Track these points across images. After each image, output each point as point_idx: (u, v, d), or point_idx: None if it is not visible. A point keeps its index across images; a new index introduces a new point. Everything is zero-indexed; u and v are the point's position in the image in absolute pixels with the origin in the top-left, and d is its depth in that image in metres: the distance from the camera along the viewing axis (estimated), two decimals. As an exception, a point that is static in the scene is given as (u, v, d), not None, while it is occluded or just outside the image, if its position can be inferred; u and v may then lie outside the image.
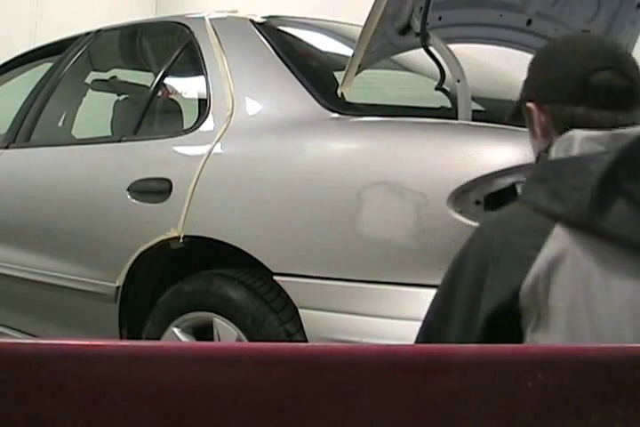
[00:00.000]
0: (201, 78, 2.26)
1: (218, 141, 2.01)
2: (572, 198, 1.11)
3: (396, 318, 1.60)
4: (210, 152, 2.00)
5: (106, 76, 3.04)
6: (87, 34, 2.90)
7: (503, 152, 1.62)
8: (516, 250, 1.13)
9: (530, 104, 1.26)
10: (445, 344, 1.13)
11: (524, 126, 1.66)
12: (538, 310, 1.10)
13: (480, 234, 1.22)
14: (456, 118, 1.79)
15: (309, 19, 2.59)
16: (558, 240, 1.11)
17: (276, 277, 1.78)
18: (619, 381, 0.76)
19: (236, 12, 2.46)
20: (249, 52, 2.24)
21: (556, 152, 1.18)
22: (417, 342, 1.24)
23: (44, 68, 3.01)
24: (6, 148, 2.82)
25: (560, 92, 1.22)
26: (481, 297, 1.13)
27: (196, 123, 2.17)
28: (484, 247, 1.17)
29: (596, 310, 1.09)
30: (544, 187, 1.16)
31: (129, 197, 2.14)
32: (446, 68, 1.87)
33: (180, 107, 2.57)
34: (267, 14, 2.41)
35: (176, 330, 2.01)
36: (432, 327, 1.22)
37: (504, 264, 1.13)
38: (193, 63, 2.35)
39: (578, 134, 1.16)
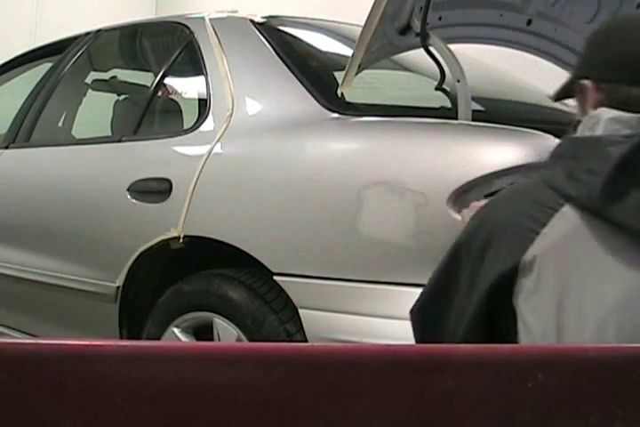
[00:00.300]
0: (201, 78, 2.26)
1: (218, 141, 2.01)
2: (586, 181, 1.09)
3: (395, 318, 1.60)
4: (210, 152, 2.00)
5: (106, 76, 3.04)
6: (87, 34, 2.90)
7: (503, 152, 1.62)
8: (521, 224, 1.12)
9: (585, 81, 1.22)
10: (445, 344, 1.13)
11: (524, 126, 1.66)
12: (533, 285, 1.09)
13: (494, 203, 1.22)
14: (456, 118, 1.79)
15: (309, 19, 2.59)
16: (565, 220, 1.10)
17: (275, 277, 1.78)
18: (619, 381, 0.76)
19: (236, 12, 2.46)
20: (249, 52, 2.24)
21: (581, 130, 1.16)
22: (420, 300, 1.25)
23: (43, 68, 3.01)
24: (6, 148, 2.82)
25: (617, 71, 1.19)
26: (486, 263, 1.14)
27: (196, 123, 2.17)
28: (495, 216, 1.17)
29: (588, 295, 1.07)
30: (561, 164, 1.15)
31: (129, 197, 2.14)
32: (446, 68, 1.87)
33: (179, 107, 2.56)
34: (267, 14, 2.41)
35: (176, 330, 2.01)
36: (438, 286, 1.22)
37: (509, 236, 1.12)
38: (193, 63, 2.35)
39: (605, 113, 1.14)
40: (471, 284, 1.16)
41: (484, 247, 1.15)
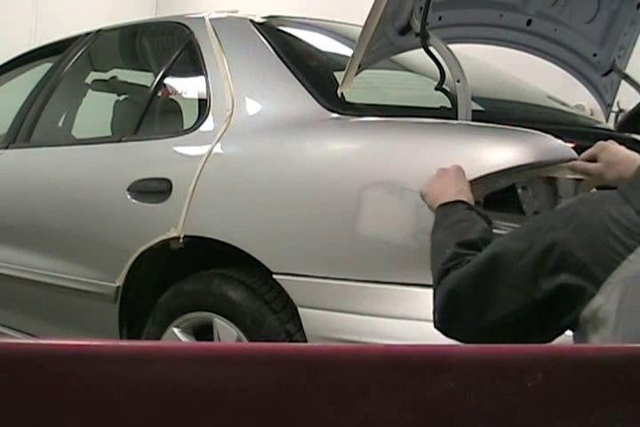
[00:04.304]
0: (201, 78, 2.26)
1: (218, 141, 2.01)
2: None
3: (395, 317, 1.60)
4: (210, 152, 2.00)
5: (106, 76, 3.04)
6: (87, 34, 2.90)
7: (503, 152, 1.62)
8: (608, 244, 1.12)
9: None
10: (445, 344, 1.13)
11: (524, 126, 1.66)
12: (613, 308, 1.10)
13: (586, 207, 1.20)
14: (456, 118, 1.79)
15: (309, 19, 2.59)
16: None
17: (275, 276, 1.78)
18: (619, 381, 0.76)
19: (236, 12, 2.46)
20: (249, 52, 2.24)
21: None
22: (474, 264, 1.23)
23: (44, 68, 3.01)
24: (6, 148, 2.83)
25: None
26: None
27: (196, 123, 2.17)
28: (585, 219, 1.16)
29: None
30: None
31: (129, 197, 2.14)
32: (446, 68, 1.87)
33: (179, 107, 2.57)
34: (267, 14, 2.41)
35: (176, 330, 2.01)
36: (501, 257, 1.20)
37: (595, 251, 1.12)
38: (193, 63, 2.35)
39: None
40: (533, 275, 1.16)
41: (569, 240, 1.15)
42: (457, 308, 1.25)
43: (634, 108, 1.31)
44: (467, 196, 1.45)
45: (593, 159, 1.55)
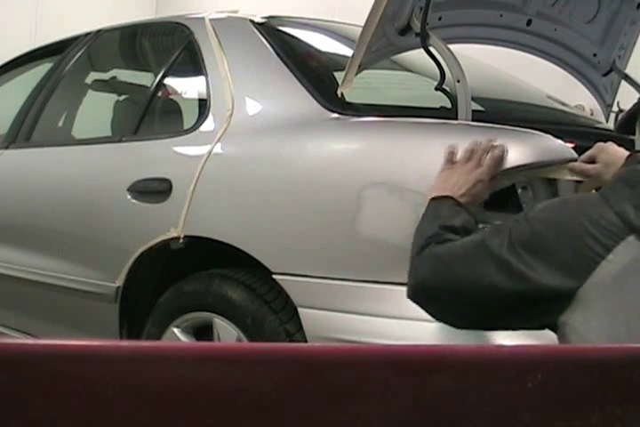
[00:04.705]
0: (201, 78, 2.26)
1: (218, 141, 2.01)
2: None
3: (395, 317, 1.60)
4: (210, 152, 2.00)
5: (106, 76, 3.03)
6: (87, 34, 2.90)
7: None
8: (586, 243, 1.14)
9: None
10: (444, 344, 1.14)
11: (524, 126, 1.66)
12: (593, 308, 1.12)
13: (557, 207, 1.24)
14: (456, 118, 1.79)
15: (309, 19, 2.59)
16: (630, 249, 1.13)
17: (275, 277, 1.78)
18: (619, 381, 0.76)
19: (236, 12, 2.46)
20: (249, 52, 2.24)
21: None
22: (463, 242, 1.28)
23: (44, 68, 3.01)
24: (6, 148, 2.83)
25: None
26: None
27: (196, 123, 2.17)
28: (566, 220, 1.19)
29: None
30: (630, 194, 1.17)
31: (129, 197, 2.14)
32: (446, 68, 1.87)
33: (179, 107, 2.56)
34: (267, 14, 2.41)
35: (176, 330, 2.01)
36: (489, 244, 1.23)
37: (572, 250, 1.15)
38: (193, 63, 2.35)
39: None
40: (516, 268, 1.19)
41: (541, 246, 1.18)
42: (442, 276, 1.28)
43: (630, 110, 1.32)
44: (464, 192, 1.46)
45: (592, 161, 1.56)
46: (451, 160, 1.54)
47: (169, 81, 2.54)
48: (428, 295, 1.31)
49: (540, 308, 1.18)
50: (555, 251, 1.16)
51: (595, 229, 1.15)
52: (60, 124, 3.00)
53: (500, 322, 1.27)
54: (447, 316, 1.32)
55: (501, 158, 1.53)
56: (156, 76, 2.52)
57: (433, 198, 1.47)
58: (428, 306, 1.33)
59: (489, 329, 1.36)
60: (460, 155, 1.54)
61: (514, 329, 1.32)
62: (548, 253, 1.17)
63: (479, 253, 1.24)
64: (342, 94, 1.93)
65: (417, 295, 1.33)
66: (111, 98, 2.90)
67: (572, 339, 1.15)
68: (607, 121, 2.61)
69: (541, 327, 1.24)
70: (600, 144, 1.58)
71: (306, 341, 1.72)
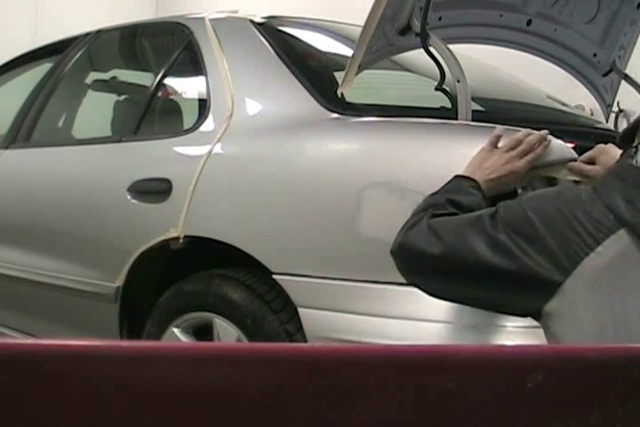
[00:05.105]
0: (201, 78, 2.26)
1: (218, 141, 2.01)
2: None
3: (396, 317, 1.60)
4: (210, 152, 2.00)
5: (106, 76, 3.03)
6: (87, 34, 2.90)
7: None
8: (577, 233, 1.16)
9: None
10: (445, 344, 1.14)
11: (524, 126, 1.66)
12: (579, 298, 1.14)
13: (545, 198, 1.25)
14: (456, 118, 1.79)
15: (309, 19, 2.59)
16: (620, 242, 1.14)
17: (275, 277, 1.78)
18: (619, 381, 0.76)
19: (236, 12, 2.46)
20: (249, 52, 2.24)
21: None
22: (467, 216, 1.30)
23: (44, 68, 3.01)
24: (6, 148, 2.82)
25: None
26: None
27: (196, 123, 2.17)
28: (547, 211, 1.21)
29: (632, 315, 1.11)
30: (621, 188, 1.18)
31: (129, 197, 2.14)
32: (446, 69, 1.87)
33: (179, 107, 2.56)
34: (267, 14, 2.41)
35: (176, 330, 2.01)
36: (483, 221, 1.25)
37: (563, 240, 1.16)
38: (193, 63, 2.35)
39: None
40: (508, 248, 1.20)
41: (532, 234, 1.19)
42: (432, 243, 1.29)
43: (634, 122, 1.32)
44: (493, 177, 1.48)
45: (592, 162, 1.56)
46: (494, 143, 1.54)
47: (169, 81, 2.54)
48: (410, 256, 1.33)
49: (523, 291, 1.20)
50: (544, 239, 1.17)
51: (586, 220, 1.16)
52: (60, 124, 3.00)
53: (480, 299, 1.28)
54: (422, 280, 1.33)
55: (540, 157, 1.53)
56: (155, 76, 2.52)
57: (457, 176, 1.48)
58: (405, 265, 1.34)
59: (466, 304, 1.37)
60: (505, 141, 1.54)
61: (496, 311, 1.33)
62: (537, 240, 1.18)
63: (472, 226, 1.26)
64: (342, 94, 1.93)
65: (400, 252, 1.34)
66: (111, 98, 2.89)
67: (557, 331, 1.16)
68: (607, 121, 2.61)
69: (525, 315, 1.26)
70: (600, 146, 1.58)
71: (306, 341, 1.72)
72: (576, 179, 1.59)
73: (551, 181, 1.63)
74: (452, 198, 1.39)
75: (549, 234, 1.17)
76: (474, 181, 1.46)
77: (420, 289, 1.35)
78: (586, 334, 1.13)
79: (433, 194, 1.45)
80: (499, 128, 1.58)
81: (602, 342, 1.11)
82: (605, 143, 1.60)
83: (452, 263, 1.26)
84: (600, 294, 1.13)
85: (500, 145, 1.54)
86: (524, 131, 1.56)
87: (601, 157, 1.56)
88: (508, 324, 1.49)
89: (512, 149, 1.53)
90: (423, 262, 1.31)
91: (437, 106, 1.99)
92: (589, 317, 1.13)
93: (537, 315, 1.20)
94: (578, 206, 1.18)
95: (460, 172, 1.49)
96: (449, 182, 1.47)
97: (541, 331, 1.25)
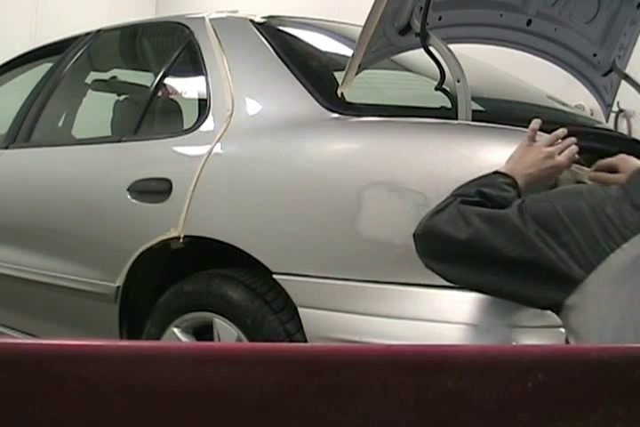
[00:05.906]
0: (201, 78, 2.26)
1: (218, 141, 2.01)
2: None
3: (396, 317, 1.60)
4: (210, 152, 2.00)
5: (106, 76, 3.03)
6: (87, 34, 2.90)
7: (503, 152, 1.62)
8: (607, 229, 1.18)
9: None
10: (445, 344, 1.14)
11: (524, 126, 1.66)
12: (592, 292, 1.15)
13: (580, 193, 1.27)
14: (456, 118, 1.79)
15: (309, 19, 2.59)
16: None
17: (275, 276, 1.78)
18: (619, 381, 0.75)
19: (236, 12, 2.46)
20: (249, 52, 2.24)
21: None
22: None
23: (44, 68, 3.01)
24: (6, 148, 2.82)
25: None
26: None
27: (196, 123, 2.17)
28: (590, 208, 1.23)
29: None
30: None
31: (129, 197, 2.14)
32: (446, 68, 1.87)
33: (179, 107, 2.56)
34: (267, 14, 2.41)
35: (176, 330, 2.01)
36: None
37: (592, 235, 1.19)
38: (193, 63, 2.35)
39: None
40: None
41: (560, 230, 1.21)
42: (460, 229, 1.30)
43: None
44: (532, 172, 1.49)
45: (613, 170, 1.58)
46: (532, 137, 1.55)
47: (169, 81, 2.54)
48: (435, 239, 1.33)
49: (541, 283, 1.21)
50: (571, 234, 1.19)
51: (615, 217, 1.19)
52: (60, 124, 3.00)
53: (499, 288, 1.28)
54: (443, 265, 1.34)
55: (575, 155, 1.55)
56: (156, 76, 2.52)
57: (497, 171, 1.49)
58: (427, 249, 1.36)
59: (483, 292, 1.38)
60: (544, 137, 1.55)
61: (513, 301, 1.33)
62: (563, 234, 1.20)
63: (500, 216, 1.28)
64: (342, 94, 1.93)
65: (425, 235, 1.36)
66: (111, 98, 2.89)
67: (576, 325, 1.17)
68: (607, 121, 2.61)
69: (544, 307, 1.26)
70: (622, 155, 1.60)
71: (306, 341, 1.72)
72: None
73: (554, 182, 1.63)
74: (483, 191, 1.40)
75: (577, 229, 1.19)
76: (510, 177, 1.46)
77: (438, 274, 1.35)
78: (605, 329, 1.14)
79: (464, 185, 1.46)
80: (535, 121, 1.58)
81: (621, 337, 1.12)
82: (605, 143, 1.61)
83: (477, 249, 1.27)
84: (622, 290, 1.14)
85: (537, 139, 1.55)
86: (562, 129, 1.57)
87: (623, 165, 1.57)
88: (509, 324, 1.49)
89: (551, 144, 1.53)
90: (447, 247, 1.31)
91: (437, 106, 1.99)
92: (610, 312, 1.14)
93: (557, 308, 1.21)
94: (608, 204, 1.21)
95: (498, 169, 1.50)
96: (485, 176, 1.48)
97: (543, 331, 1.25)
